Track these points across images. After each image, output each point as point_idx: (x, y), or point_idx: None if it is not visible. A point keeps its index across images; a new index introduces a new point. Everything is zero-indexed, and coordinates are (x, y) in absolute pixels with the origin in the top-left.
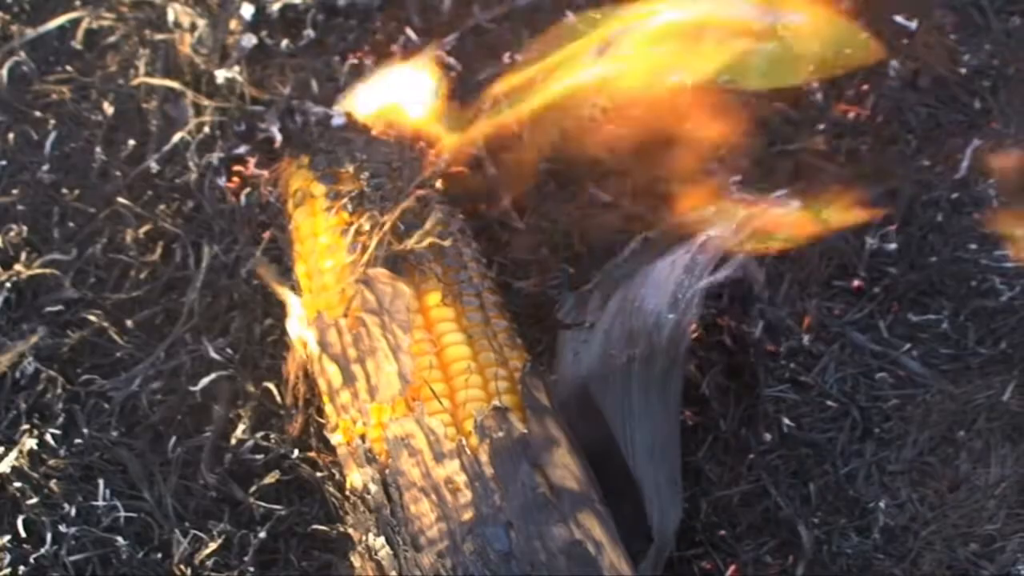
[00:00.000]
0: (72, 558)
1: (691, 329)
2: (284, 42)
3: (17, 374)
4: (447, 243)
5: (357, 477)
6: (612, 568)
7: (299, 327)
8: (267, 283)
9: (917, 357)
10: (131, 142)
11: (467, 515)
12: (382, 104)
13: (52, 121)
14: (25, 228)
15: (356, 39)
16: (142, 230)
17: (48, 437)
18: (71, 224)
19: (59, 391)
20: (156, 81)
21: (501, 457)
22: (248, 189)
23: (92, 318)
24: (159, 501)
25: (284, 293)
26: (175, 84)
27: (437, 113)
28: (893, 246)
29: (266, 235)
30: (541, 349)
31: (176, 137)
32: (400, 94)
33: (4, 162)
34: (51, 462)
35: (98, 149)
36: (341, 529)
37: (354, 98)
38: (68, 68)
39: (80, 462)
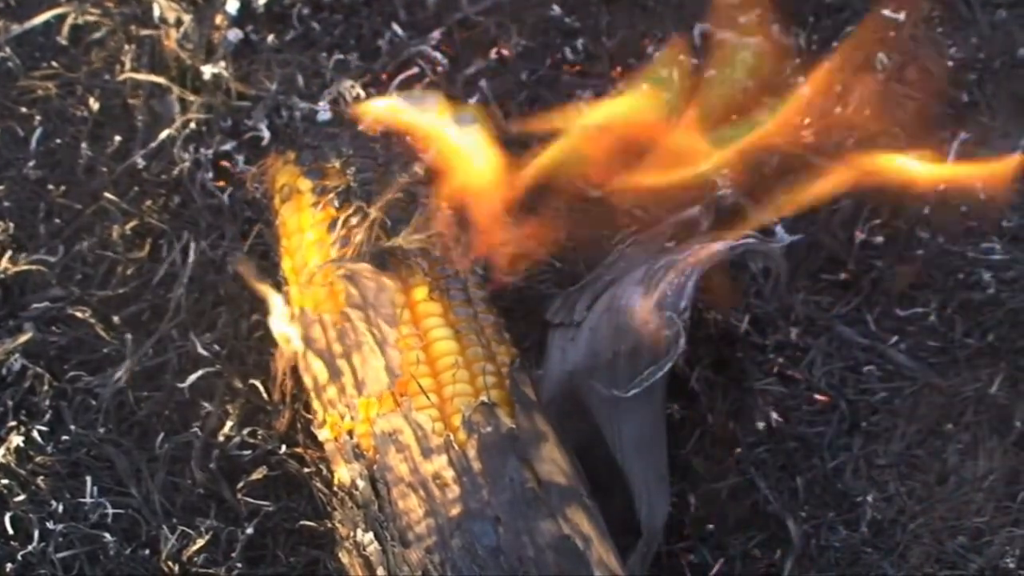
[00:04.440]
0: (60, 555)
1: (679, 326)
2: (270, 37)
3: (4, 371)
4: (436, 253)
5: (345, 473)
6: (600, 562)
7: (282, 324)
8: (248, 280)
9: (905, 350)
10: (117, 138)
11: (455, 510)
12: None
13: (38, 117)
14: (11, 225)
15: (342, 34)
16: (129, 226)
17: (35, 434)
18: (57, 221)
19: (46, 388)
20: (142, 77)
21: (489, 452)
22: (235, 185)
23: (79, 315)
24: (146, 497)
25: (265, 290)
26: (161, 80)
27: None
28: (880, 239)
29: (253, 231)
30: (528, 344)
31: (163, 133)
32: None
33: None
34: (38, 459)
35: (84, 145)
36: (329, 525)
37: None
38: (54, 64)
39: (67, 459)
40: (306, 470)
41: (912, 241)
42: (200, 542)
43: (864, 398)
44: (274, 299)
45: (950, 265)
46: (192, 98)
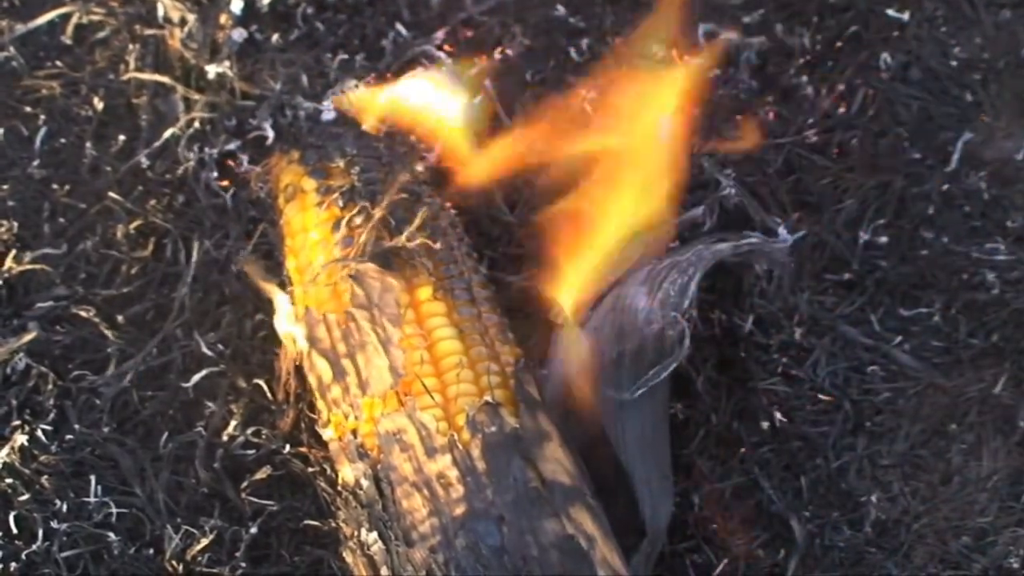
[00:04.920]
0: (64, 554)
1: (683, 326)
2: (274, 37)
3: (8, 370)
4: (437, 245)
5: (349, 472)
6: (604, 562)
7: (287, 323)
8: (254, 279)
9: (909, 350)
10: (121, 137)
11: (459, 510)
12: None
13: (42, 117)
14: (16, 224)
15: (346, 33)
16: (133, 226)
17: (39, 433)
18: (62, 220)
19: (50, 387)
20: (146, 76)
21: (493, 452)
22: (239, 185)
23: (83, 314)
24: (150, 497)
25: (271, 289)
26: (165, 79)
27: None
28: (884, 239)
29: (257, 230)
30: (532, 344)
31: (167, 132)
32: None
33: None
34: (42, 458)
35: (88, 145)
36: (333, 524)
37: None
38: (58, 63)
39: (71, 458)
40: (310, 470)
41: (916, 241)
42: (204, 541)
43: (868, 398)
44: (279, 298)
45: (954, 265)
46: (196, 97)
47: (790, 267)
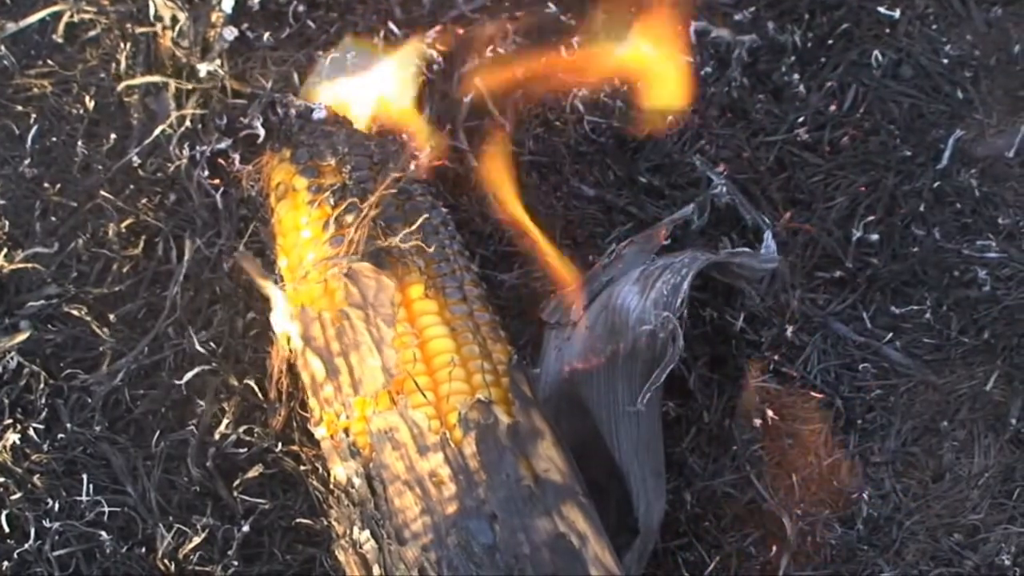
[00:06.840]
0: (56, 553)
1: (676, 325)
2: (265, 35)
3: (0, 369)
4: (431, 249)
5: (341, 471)
6: (596, 560)
7: (283, 321)
8: (251, 276)
9: (900, 348)
10: (113, 136)
11: (451, 508)
12: (352, 92)
13: (33, 115)
14: (7, 223)
15: (338, 31)
16: (124, 224)
17: (31, 432)
18: (53, 218)
19: (42, 386)
20: (138, 80)
21: (485, 450)
22: (230, 183)
23: (75, 312)
24: (143, 495)
25: (268, 287)
26: (157, 78)
27: (414, 103)
28: (875, 236)
29: (249, 229)
30: (524, 342)
31: (158, 130)
32: (376, 83)
33: None
34: (34, 457)
35: (80, 143)
36: (325, 523)
37: (323, 85)
38: (49, 62)
39: (63, 457)
40: (302, 468)
41: (907, 238)
42: (196, 540)
43: (859, 395)
44: (276, 296)
45: (945, 262)
46: (190, 86)
47: (784, 268)
